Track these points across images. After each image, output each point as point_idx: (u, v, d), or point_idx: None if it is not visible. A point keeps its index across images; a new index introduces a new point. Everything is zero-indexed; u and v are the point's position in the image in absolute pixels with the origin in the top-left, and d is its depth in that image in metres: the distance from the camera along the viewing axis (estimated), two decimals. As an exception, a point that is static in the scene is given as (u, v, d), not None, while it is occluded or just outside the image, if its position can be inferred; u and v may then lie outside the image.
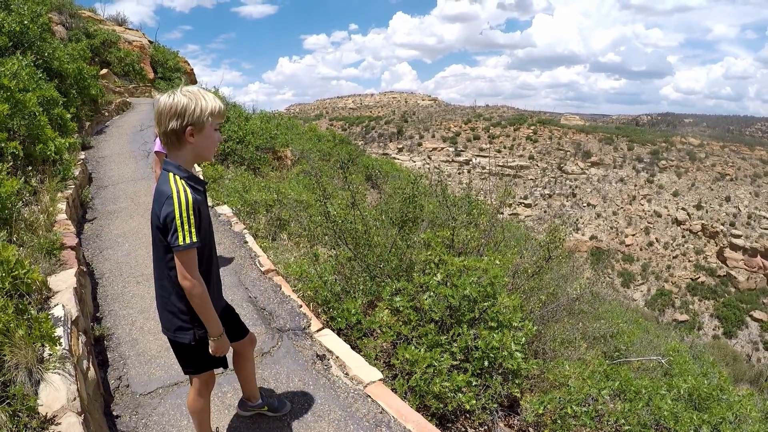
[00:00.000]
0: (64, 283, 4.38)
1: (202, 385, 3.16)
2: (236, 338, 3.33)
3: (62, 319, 3.61)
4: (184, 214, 2.57)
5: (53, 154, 7.71)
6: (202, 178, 2.89)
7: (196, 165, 3.03)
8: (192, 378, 3.19)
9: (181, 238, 2.57)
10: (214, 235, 3.01)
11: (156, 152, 5.35)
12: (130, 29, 25.07)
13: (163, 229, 2.63)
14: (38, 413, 2.77)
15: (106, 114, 15.87)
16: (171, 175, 2.66)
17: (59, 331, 3.37)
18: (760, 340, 65.62)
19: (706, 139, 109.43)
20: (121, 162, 11.17)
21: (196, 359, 3.02)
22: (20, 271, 3.66)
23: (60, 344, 3.23)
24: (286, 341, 4.85)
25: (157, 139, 5.38)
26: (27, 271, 3.73)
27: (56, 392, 2.92)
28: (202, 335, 2.89)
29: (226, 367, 3.21)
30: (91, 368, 3.70)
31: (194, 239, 2.61)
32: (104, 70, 19.17)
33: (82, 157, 10.09)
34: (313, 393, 4.16)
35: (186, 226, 2.58)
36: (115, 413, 3.83)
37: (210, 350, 2.93)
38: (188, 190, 2.63)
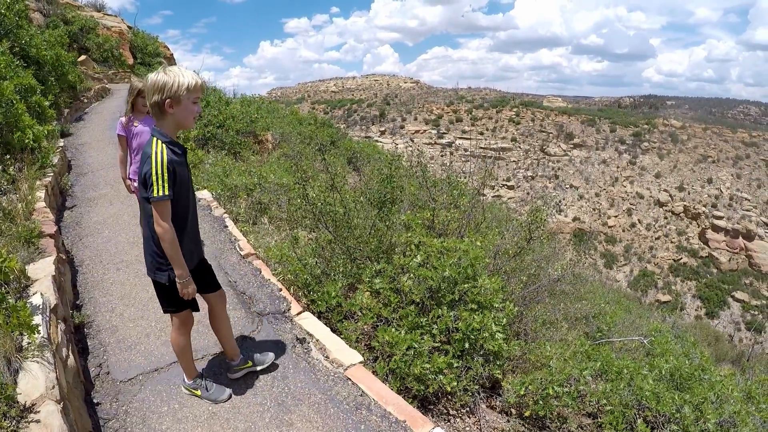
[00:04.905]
0: (42, 271, 4.37)
1: (181, 323, 3.66)
2: (206, 290, 3.80)
3: (41, 307, 3.60)
4: (159, 171, 3.06)
5: (31, 142, 7.65)
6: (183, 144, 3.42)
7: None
8: (172, 317, 3.66)
9: (155, 191, 3.07)
10: (193, 195, 3.51)
11: (118, 135, 5.60)
12: (108, 15, 24.77)
13: (144, 184, 3.13)
14: (17, 402, 2.77)
15: (85, 101, 15.73)
16: (154, 139, 3.16)
17: (38, 320, 3.36)
18: (741, 321, 66.31)
19: (689, 122, 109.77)
20: (100, 148, 11.09)
21: (171, 298, 3.50)
22: (-3, 260, 3.65)
23: (38, 332, 3.22)
24: (266, 325, 4.85)
25: (118, 122, 5.53)
26: (5, 260, 3.72)
27: (35, 380, 2.92)
28: (174, 278, 3.36)
29: (197, 309, 3.70)
30: (71, 356, 3.69)
31: (167, 192, 3.10)
32: (83, 57, 18.95)
33: (61, 144, 10.03)
34: (293, 376, 4.18)
35: (160, 182, 3.07)
36: (95, 400, 3.84)
37: (178, 291, 3.40)
38: (166, 151, 3.12)
